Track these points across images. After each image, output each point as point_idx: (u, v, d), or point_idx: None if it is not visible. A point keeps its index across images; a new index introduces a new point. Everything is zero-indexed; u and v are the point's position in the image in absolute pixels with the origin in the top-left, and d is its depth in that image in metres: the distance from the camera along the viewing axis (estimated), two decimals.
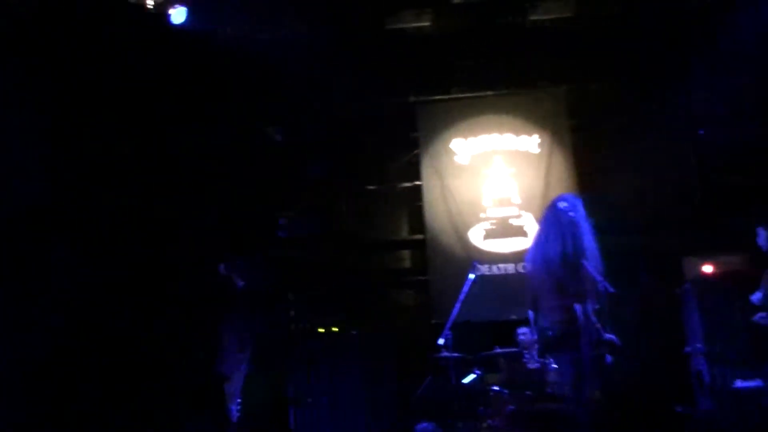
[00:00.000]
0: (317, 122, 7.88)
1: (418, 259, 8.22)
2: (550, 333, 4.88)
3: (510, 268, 7.63)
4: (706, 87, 7.64)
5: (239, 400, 5.26)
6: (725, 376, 6.17)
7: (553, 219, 4.83)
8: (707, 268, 6.92)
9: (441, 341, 5.66)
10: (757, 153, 7.26)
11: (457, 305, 5.85)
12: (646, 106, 7.81)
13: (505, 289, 7.40)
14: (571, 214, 4.84)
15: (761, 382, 5.85)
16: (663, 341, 6.94)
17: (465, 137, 8.06)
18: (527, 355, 5.98)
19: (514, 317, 7.04)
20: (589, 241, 4.91)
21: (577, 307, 4.96)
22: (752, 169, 7.45)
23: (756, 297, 5.73)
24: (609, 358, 4.88)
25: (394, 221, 8.39)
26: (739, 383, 6.04)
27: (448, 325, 5.77)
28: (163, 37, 6.05)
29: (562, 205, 4.72)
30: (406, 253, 8.42)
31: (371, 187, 8.14)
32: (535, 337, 6.34)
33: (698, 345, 6.56)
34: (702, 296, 6.72)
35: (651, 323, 6.88)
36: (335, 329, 6.86)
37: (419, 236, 8.10)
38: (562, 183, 7.86)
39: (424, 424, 6.28)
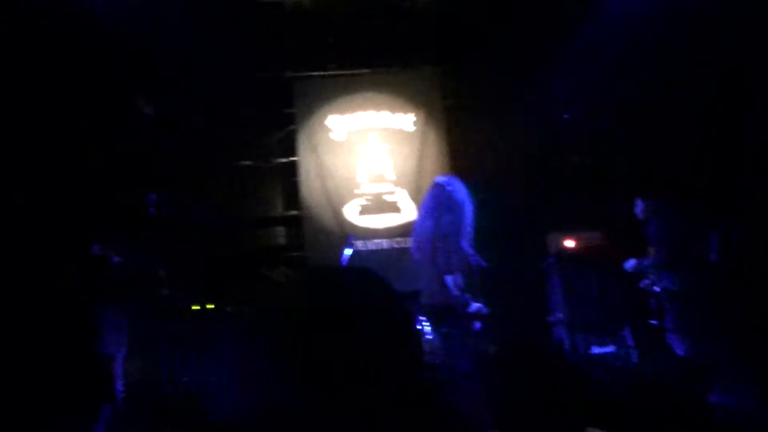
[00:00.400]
0: (191, 96, 7.64)
1: (293, 236, 8.21)
2: (425, 302, 5.12)
3: (384, 243, 7.77)
4: (572, 71, 8.06)
5: (122, 382, 5.13)
6: (584, 342, 6.61)
7: (432, 196, 4.99)
8: (569, 243, 7.34)
9: None
10: (614, 135, 7.77)
11: None
12: (517, 89, 8.12)
13: (379, 264, 7.52)
14: (449, 190, 5.02)
15: (614, 347, 6.34)
16: (531, 312, 7.31)
17: (341, 114, 8.09)
18: None
19: None
20: (465, 218, 5.13)
21: (448, 278, 5.24)
22: (609, 151, 7.98)
23: (630, 264, 6.13)
24: (477, 325, 5.19)
25: (269, 197, 8.31)
26: (595, 349, 6.51)
27: None
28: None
29: (441, 181, 4.87)
30: (281, 230, 8.38)
31: (246, 163, 8.01)
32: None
33: (559, 314, 6.97)
34: (564, 269, 7.14)
35: (519, 295, 7.23)
36: (210, 306, 6.73)
37: (295, 212, 8.07)
38: (435, 161, 8.09)
39: None
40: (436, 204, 5.20)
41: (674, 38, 6.91)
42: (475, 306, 5.25)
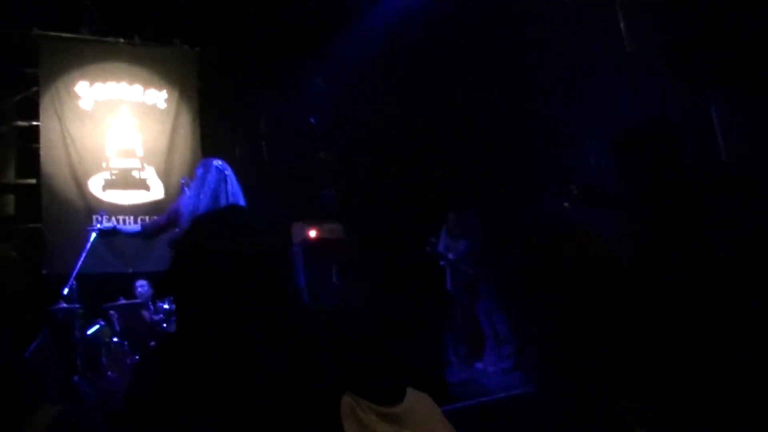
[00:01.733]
0: None
1: (23, 206, 7.62)
2: None
3: (130, 220, 7.55)
4: (330, 68, 8.53)
5: None
6: None
7: (206, 176, 5.08)
8: (312, 233, 7.79)
9: (65, 291, 5.52)
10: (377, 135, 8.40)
11: (83, 255, 5.72)
12: (273, 79, 8.38)
13: (123, 242, 7.31)
14: (226, 172, 5.17)
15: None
16: None
17: (91, 82, 7.69)
18: (150, 307, 6.13)
19: (130, 270, 7.11)
20: (240, 198, 5.32)
21: None
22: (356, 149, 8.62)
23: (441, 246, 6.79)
24: None
25: (1, 162, 7.64)
26: None
27: (73, 275, 5.63)
28: None
29: (217, 163, 4.98)
30: (11, 198, 7.74)
31: None
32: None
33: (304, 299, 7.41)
34: (306, 257, 7.57)
35: None
36: None
37: (29, 180, 7.51)
38: (186, 141, 8.09)
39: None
40: (215, 183, 5.31)
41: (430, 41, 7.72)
42: None
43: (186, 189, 6.32)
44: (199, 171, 5.09)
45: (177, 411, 1.41)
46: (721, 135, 4.99)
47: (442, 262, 7.05)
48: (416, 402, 1.83)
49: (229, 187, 4.91)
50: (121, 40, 7.95)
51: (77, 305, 5.72)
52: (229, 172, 4.96)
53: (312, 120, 8.86)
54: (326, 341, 1.63)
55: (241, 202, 4.92)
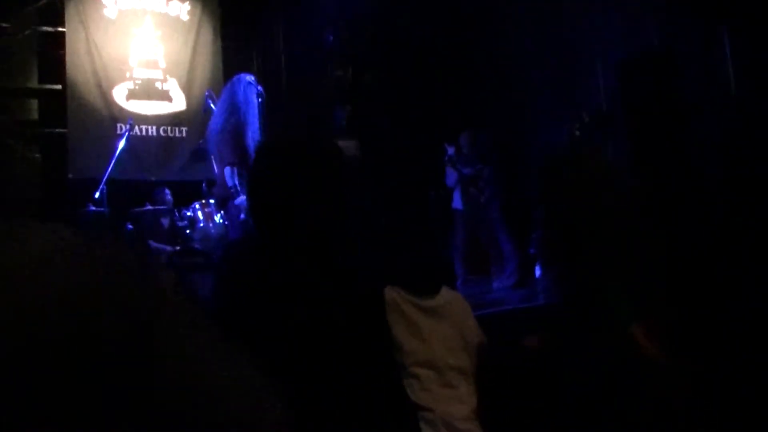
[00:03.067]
0: None
1: (47, 111, 7.80)
2: (215, 191, 5.55)
3: (152, 130, 7.74)
4: None
5: None
6: None
7: (225, 93, 5.27)
8: None
9: (96, 195, 5.79)
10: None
11: (112, 162, 5.98)
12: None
13: (145, 151, 7.54)
14: (235, 89, 5.35)
15: None
16: None
17: None
18: (176, 214, 6.42)
19: (153, 178, 7.36)
20: (250, 116, 5.53)
21: (227, 170, 5.71)
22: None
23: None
24: (242, 216, 5.76)
25: (24, 67, 7.76)
26: None
27: (104, 179, 5.89)
28: None
29: (234, 79, 5.15)
30: (34, 103, 7.91)
31: (5, 26, 7.36)
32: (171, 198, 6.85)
33: None
34: None
35: None
36: None
37: (55, 86, 7.66)
38: (208, 54, 8.22)
39: None
40: (225, 101, 5.52)
41: None
42: (242, 198, 5.77)
43: (209, 102, 6.53)
44: (229, 87, 5.28)
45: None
46: (732, 69, 5.15)
47: (449, 181, 7.22)
48: (451, 298, 2.12)
49: (236, 101, 5.07)
50: None
51: (105, 209, 6.00)
52: (240, 86, 5.11)
53: (329, 36, 8.95)
54: (368, 241, 1.88)
55: (252, 114, 5.07)
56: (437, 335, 1.77)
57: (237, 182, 5.79)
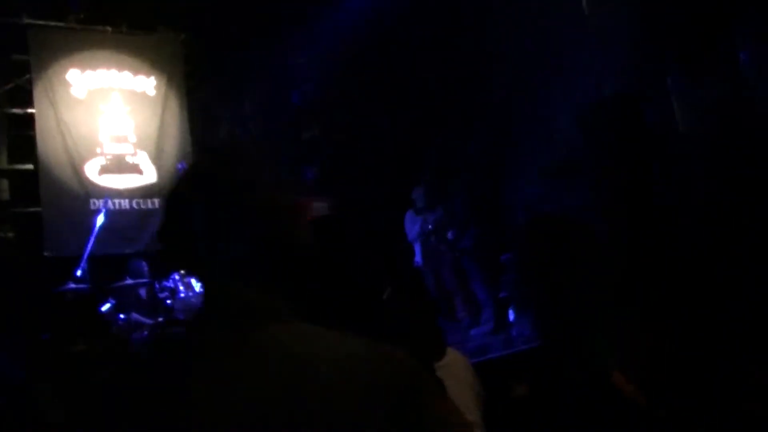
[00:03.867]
0: None
1: (19, 191, 7.85)
2: None
3: (125, 203, 7.83)
4: (302, 51, 8.88)
5: None
6: None
7: None
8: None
9: (78, 272, 5.87)
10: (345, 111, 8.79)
11: (92, 238, 6.07)
12: (256, 60, 8.70)
13: (120, 224, 7.60)
14: None
15: None
16: None
17: (82, 70, 7.92)
18: (156, 286, 6.49)
19: (129, 251, 7.43)
20: None
21: None
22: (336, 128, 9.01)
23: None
24: None
25: None
26: None
27: (85, 257, 5.98)
28: None
29: None
30: (5, 183, 7.95)
31: None
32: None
33: None
34: None
35: None
36: None
37: (25, 166, 7.75)
38: (175, 125, 8.40)
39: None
40: None
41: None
42: None
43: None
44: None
45: None
46: (677, 105, 5.46)
47: (410, 235, 7.40)
48: (454, 359, 2.27)
49: None
50: (109, 28, 8.16)
51: (86, 285, 6.07)
52: None
53: (294, 99, 9.22)
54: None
55: None
56: (451, 394, 1.90)
57: None
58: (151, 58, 8.36)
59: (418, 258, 7.32)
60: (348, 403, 0.94)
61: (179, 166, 6.86)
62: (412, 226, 7.34)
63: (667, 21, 5.32)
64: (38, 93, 7.66)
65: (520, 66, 7.12)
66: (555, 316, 2.29)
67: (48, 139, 7.60)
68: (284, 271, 1.80)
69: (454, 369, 2.20)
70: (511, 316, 6.64)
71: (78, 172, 7.67)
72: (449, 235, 7.25)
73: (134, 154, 8.03)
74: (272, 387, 0.96)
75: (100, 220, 6.21)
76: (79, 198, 7.54)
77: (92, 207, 7.36)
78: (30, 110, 7.67)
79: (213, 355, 1.02)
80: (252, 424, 0.94)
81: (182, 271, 6.18)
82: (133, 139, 8.09)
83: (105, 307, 5.97)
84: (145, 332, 5.91)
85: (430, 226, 7.18)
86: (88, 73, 7.96)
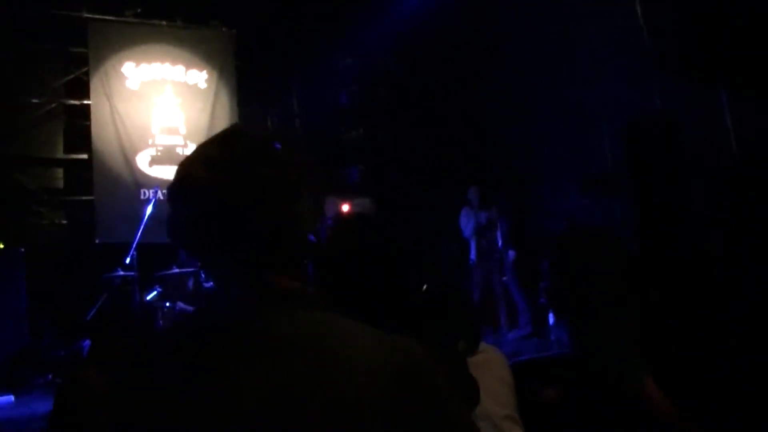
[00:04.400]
0: None
1: (72, 180, 8.12)
2: None
3: None
4: (355, 53, 8.99)
5: None
6: None
7: None
8: (344, 207, 8.28)
9: (127, 260, 6.06)
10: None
11: (141, 226, 6.26)
12: (304, 60, 8.84)
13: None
14: None
15: None
16: None
17: (137, 63, 8.16)
18: (202, 275, 6.64)
19: None
20: None
21: None
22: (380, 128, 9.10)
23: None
24: None
25: (50, 138, 8.10)
26: None
27: (134, 245, 6.16)
28: None
29: None
30: (60, 172, 8.20)
31: (34, 101, 7.74)
32: None
33: None
34: None
35: None
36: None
37: (79, 155, 8.00)
38: (225, 119, 8.54)
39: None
40: None
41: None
42: None
43: None
44: None
45: None
46: (733, 133, 5.38)
47: (465, 232, 7.44)
48: (488, 350, 2.32)
49: None
50: (164, 22, 8.40)
51: (134, 273, 6.25)
52: None
53: (342, 99, 9.32)
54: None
55: None
56: (485, 388, 1.92)
57: None
58: (204, 51, 8.56)
59: (472, 255, 7.36)
60: (362, 387, 1.01)
61: None
62: (467, 222, 7.38)
63: (719, 41, 5.25)
64: (95, 85, 7.92)
65: (569, 77, 7.10)
66: (584, 326, 2.31)
67: (102, 130, 7.84)
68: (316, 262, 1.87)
69: (490, 365, 2.23)
70: (551, 320, 6.64)
71: (130, 163, 7.91)
72: (498, 237, 7.30)
73: (184, 146, 8.22)
74: (295, 368, 1.02)
75: (150, 209, 6.37)
76: (130, 187, 7.76)
77: (142, 197, 7.57)
78: (86, 101, 7.92)
79: (237, 335, 1.06)
80: (273, 402, 0.99)
81: None
82: (184, 131, 8.28)
83: (151, 295, 6.14)
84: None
85: (483, 222, 7.24)
86: (143, 66, 8.19)
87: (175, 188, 1.21)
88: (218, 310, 1.17)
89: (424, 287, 2.16)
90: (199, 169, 1.19)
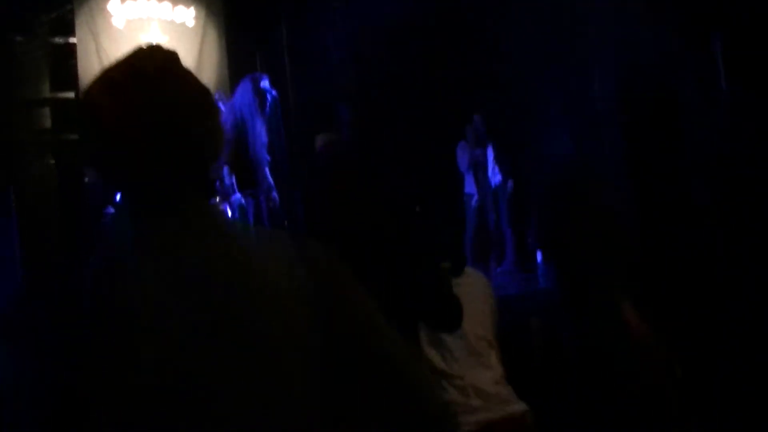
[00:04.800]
0: None
1: (60, 119, 8.00)
2: None
3: None
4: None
5: None
6: None
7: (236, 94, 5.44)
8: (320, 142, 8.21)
9: (118, 198, 6.05)
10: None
11: None
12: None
13: None
14: (247, 91, 5.58)
15: None
16: None
17: (122, 0, 7.99)
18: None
19: None
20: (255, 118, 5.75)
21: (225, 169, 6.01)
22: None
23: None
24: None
25: (36, 77, 7.96)
26: None
27: None
28: None
29: (254, 82, 5.36)
30: (47, 111, 8.10)
31: (19, 38, 7.58)
32: None
33: None
34: None
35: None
36: None
37: (65, 94, 7.88)
38: (214, 58, 8.43)
39: None
40: (228, 104, 5.77)
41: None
42: (236, 196, 6.07)
43: (219, 103, 6.77)
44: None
45: None
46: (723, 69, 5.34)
47: (461, 166, 7.48)
48: (474, 275, 2.37)
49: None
50: None
51: None
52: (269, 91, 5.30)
53: (332, 38, 9.16)
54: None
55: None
56: (466, 309, 1.97)
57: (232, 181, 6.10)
58: None
59: (470, 188, 7.41)
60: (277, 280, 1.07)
61: (216, 96, 6.92)
62: (463, 155, 7.42)
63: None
64: (80, 23, 7.73)
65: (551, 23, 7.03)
66: (570, 268, 2.35)
67: (89, 69, 7.66)
68: None
69: (473, 286, 2.29)
70: (539, 257, 6.72)
71: None
72: (491, 173, 7.36)
73: None
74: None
75: None
76: None
77: None
78: (72, 40, 7.77)
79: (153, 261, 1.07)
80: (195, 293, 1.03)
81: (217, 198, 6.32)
82: None
83: None
84: None
85: (479, 159, 7.31)
86: (129, 3, 7.99)
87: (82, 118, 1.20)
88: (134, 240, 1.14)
89: (416, 208, 2.19)
90: (104, 95, 1.18)
